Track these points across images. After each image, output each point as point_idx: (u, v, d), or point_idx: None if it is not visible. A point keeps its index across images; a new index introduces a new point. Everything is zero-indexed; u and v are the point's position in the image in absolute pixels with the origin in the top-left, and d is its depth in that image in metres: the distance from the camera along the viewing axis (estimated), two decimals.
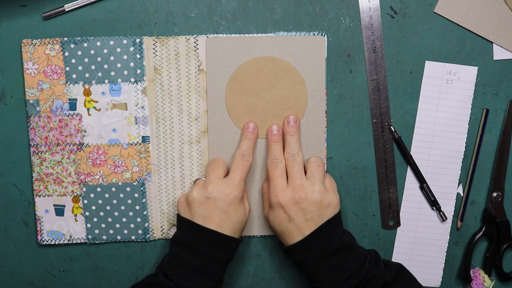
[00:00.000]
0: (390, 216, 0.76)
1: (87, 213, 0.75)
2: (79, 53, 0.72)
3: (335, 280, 0.66)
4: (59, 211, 0.75)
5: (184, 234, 0.68)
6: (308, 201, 0.67)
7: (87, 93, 0.73)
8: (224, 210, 0.67)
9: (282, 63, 0.72)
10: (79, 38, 0.71)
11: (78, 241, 0.76)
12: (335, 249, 0.67)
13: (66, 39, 0.71)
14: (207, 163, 0.74)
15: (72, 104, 0.73)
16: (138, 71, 0.72)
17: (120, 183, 0.74)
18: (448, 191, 0.76)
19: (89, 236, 0.76)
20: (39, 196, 0.75)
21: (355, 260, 0.67)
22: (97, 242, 0.76)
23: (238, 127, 0.73)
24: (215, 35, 0.72)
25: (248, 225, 0.75)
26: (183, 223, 0.69)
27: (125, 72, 0.72)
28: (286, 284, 0.78)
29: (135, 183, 0.74)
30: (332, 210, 0.68)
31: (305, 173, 0.69)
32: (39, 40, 0.71)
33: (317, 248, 0.67)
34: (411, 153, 0.75)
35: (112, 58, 0.72)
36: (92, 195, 0.74)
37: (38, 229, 0.75)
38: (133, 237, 0.76)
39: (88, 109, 0.73)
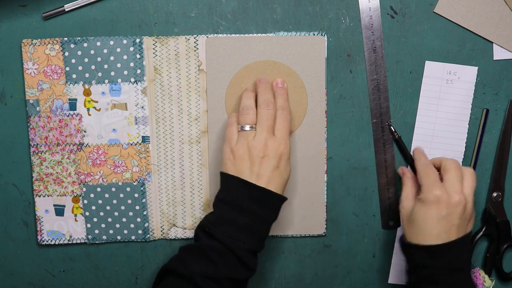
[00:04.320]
0: (390, 216, 0.76)
1: (87, 213, 0.75)
2: (79, 53, 0.72)
3: None
4: (59, 211, 0.75)
5: (230, 192, 0.66)
6: (466, 209, 0.67)
7: (87, 93, 0.73)
8: (275, 167, 0.65)
9: (282, 67, 0.72)
10: (79, 38, 0.71)
11: (78, 241, 0.76)
12: (461, 267, 0.66)
13: (66, 39, 0.71)
14: (227, 122, 0.70)
15: (72, 104, 0.73)
16: (138, 71, 0.72)
17: (120, 183, 0.74)
18: None
19: (89, 236, 0.76)
20: (39, 196, 0.74)
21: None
22: (97, 242, 0.76)
23: None
24: (215, 35, 0.72)
25: None
26: (230, 181, 0.66)
27: (125, 72, 0.72)
28: (286, 284, 0.78)
29: (135, 183, 0.74)
30: (471, 224, 0.69)
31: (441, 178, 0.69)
32: (39, 40, 0.71)
33: (450, 258, 0.66)
34: (411, 153, 0.75)
35: (112, 58, 0.72)
36: (92, 195, 0.74)
37: (38, 229, 0.75)
38: (133, 237, 0.76)
39: (88, 109, 0.73)
